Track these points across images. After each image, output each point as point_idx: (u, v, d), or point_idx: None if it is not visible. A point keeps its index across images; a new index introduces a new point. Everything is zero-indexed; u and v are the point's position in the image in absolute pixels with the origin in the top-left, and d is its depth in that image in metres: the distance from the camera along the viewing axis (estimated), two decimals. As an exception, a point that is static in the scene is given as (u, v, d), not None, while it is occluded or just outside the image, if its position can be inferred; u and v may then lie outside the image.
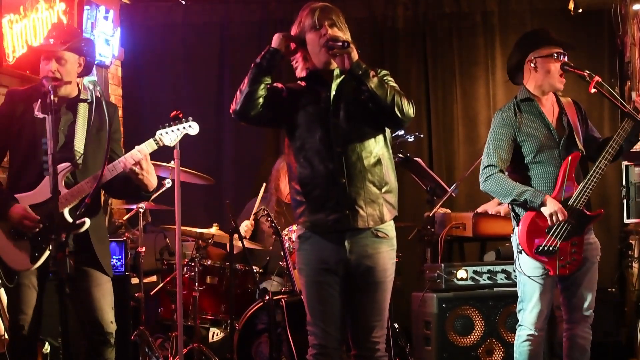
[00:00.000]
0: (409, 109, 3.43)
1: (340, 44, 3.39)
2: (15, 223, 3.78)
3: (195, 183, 5.73)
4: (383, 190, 3.53)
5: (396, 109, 3.39)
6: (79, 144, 3.88)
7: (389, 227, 3.62)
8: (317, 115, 3.48)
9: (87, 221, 3.84)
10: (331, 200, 3.44)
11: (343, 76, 3.52)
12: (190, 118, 4.04)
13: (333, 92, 3.49)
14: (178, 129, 3.99)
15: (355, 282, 3.50)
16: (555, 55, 4.07)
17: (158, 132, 3.96)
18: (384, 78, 3.48)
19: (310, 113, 3.49)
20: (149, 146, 3.89)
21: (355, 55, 3.39)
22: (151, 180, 3.91)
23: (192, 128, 4.03)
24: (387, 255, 3.56)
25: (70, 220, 3.81)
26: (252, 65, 3.61)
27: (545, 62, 4.08)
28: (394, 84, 3.49)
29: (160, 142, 3.94)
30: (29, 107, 3.84)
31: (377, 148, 3.50)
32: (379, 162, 3.50)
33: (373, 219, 3.49)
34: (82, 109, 3.93)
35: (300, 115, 3.51)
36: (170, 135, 3.97)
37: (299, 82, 3.62)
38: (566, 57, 4.11)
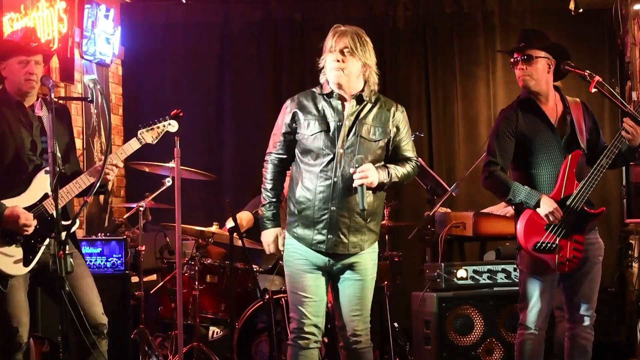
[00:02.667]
0: (409, 179, 3.89)
1: (364, 177, 3.66)
2: (12, 226, 3.78)
3: (196, 179, 5.73)
4: (368, 220, 3.78)
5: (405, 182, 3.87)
6: (55, 146, 3.90)
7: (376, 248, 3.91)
8: (325, 143, 3.73)
9: (77, 221, 3.86)
10: (319, 222, 3.73)
11: (358, 107, 3.77)
12: (167, 117, 4.16)
13: (347, 123, 3.73)
14: (158, 127, 4.12)
15: (338, 278, 3.81)
16: (511, 64, 4.14)
17: (139, 132, 4.08)
18: (399, 130, 3.85)
19: (319, 141, 3.73)
20: (132, 145, 4.03)
21: (374, 180, 3.68)
22: (112, 177, 4.05)
23: (172, 126, 4.16)
24: (369, 257, 3.83)
25: (63, 222, 3.81)
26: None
27: (514, 70, 4.14)
28: (408, 145, 3.89)
29: (143, 140, 4.07)
30: (1, 112, 3.87)
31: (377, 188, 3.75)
32: (370, 194, 3.73)
33: (353, 246, 3.76)
34: (43, 111, 3.94)
35: (310, 140, 3.75)
36: (151, 134, 4.10)
37: (315, 90, 3.83)
38: (515, 60, 4.11)
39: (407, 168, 3.83)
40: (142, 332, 5.49)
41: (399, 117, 3.86)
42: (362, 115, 3.75)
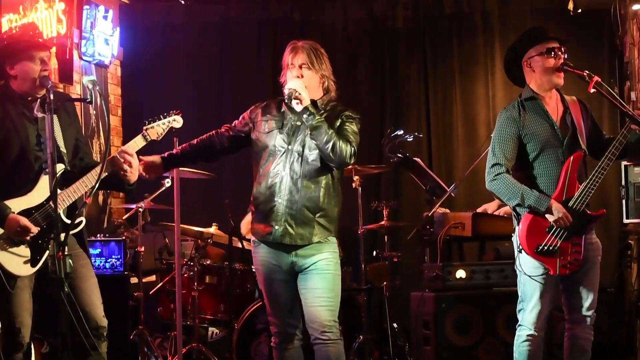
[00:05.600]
0: (342, 156, 3.87)
1: (296, 93, 3.87)
2: (11, 234, 3.74)
3: (195, 180, 5.73)
4: (317, 215, 3.93)
5: (329, 152, 3.85)
6: (62, 144, 3.88)
7: (329, 239, 4.02)
8: (278, 140, 3.97)
9: (84, 220, 3.84)
10: (269, 214, 3.93)
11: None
12: (172, 112, 4.11)
13: (299, 123, 3.96)
14: (163, 123, 4.06)
15: (303, 277, 3.95)
16: (545, 51, 4.06)
17: (144, 128, 4.02)
18: (344, 121, 3.97)
19: (273, 138, 3.98)
20: (138, 142, 3.96)
21: (305, 102, 3.88)
22: (135, 175, 3.99)
23: (177, 122, 4.11)
24: (329, 254, 3.97)
25: (67, 220, 3.80)
26: None
27: (539, 60, 4.08)
28: (349, 129, 3.95)
29: (148, 137, 4.01)
30: (6, 110, 3.82)
31: (322, 178, 3.94)
32: (319, 190, 3.92)
33: (301, 238, 3.91)
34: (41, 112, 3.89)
35: (265, 137, 4.00)
36: (156, 129, 4.04)
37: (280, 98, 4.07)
38: (562, 49, 4.09)
39: (341, 140, 3.89)
40: (142, 333, 5.49)
41: (347, 115, 4.00)
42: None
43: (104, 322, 3.94)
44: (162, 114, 4.07)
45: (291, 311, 3.99)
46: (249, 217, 5.80)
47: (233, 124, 4.13)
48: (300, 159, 3.92)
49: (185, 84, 7.39)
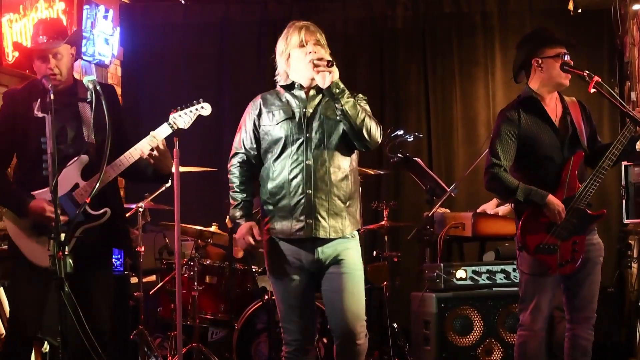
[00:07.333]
0: (377, 133, 3.66)
1: (326, 62, 3.60)
2: (37, 216, 3.73)
3: (195, 181, 5.73)
4: (347, 204, 3.70)
5: (364, 131, 3.62)
6: (90, 134, 3.86)
7: (354, 233, 3.78)
8: (291, 130, 3.69)
9: (108, 211, 3.82)
10: (297, 209, 3.65)
11: (320, 95, 3.74)
12: (201, 99, 4.02)
13: (310, 110, 3.71)
14: (191, 111, 3.97)
15: (329, 277, 3.68)
16: (561, 55, 4.07)
17: (172, 116, 3.94)
18: (360, 102, 3.70)
19: (285, 128, 3.70)
20: (164, 130, 3.90)
21: (336, 75, 3.61)
22: (168, 163, 3.95)
23: (205, 109, 4.01)
24: (355, 252, 3.74)
25: (91, 212, 3.79)
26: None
27: (552, 62, 4.07)
28: (368, 109, 3.71)
29: (174, 126, 3.93)
30: (30, 105, 3.82)
31: (346, 164, 3.71)
32: (346, 177, 3.70)
33: (335, 231, 3.66)
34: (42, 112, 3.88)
35: (276, 129, 3.72)
36: (183, 118, 3.95)
37: (278, 89, 3.85)
38: (568, 56, 4.11)
39: (369, 117, 3.66)
40: (142, 332, 5.49)
41: (360, 96, 3.77)
42: (324, 101, 3.73)
43: (106, 322, 3.93)
44: (190, 102, 3.98)
45: (310, 317, 3.72)
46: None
47: (246, 149, 3.81)
48: (322, 145, 3.65)
49: (185, 84, 7.39)
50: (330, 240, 3.66)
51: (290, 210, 3.66)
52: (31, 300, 3.81)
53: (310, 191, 3.63)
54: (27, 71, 5.58)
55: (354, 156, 3.77)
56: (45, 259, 3.74)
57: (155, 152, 3.84)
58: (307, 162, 3.64)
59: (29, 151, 3.85)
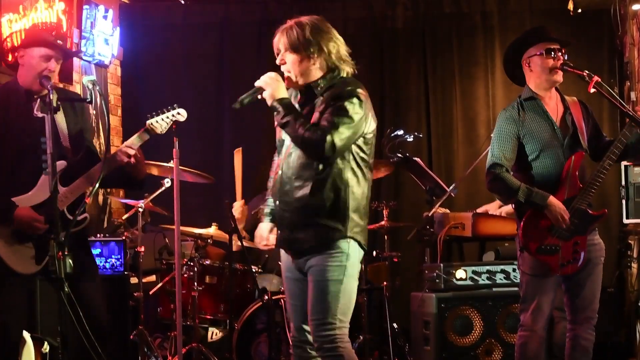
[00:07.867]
0: (319, 150, 3.36)
1: (249, 94, 3.52)
2: (23, 225, 3.74)
3: (195, 182, 5.72)
4: (314, 214, 3.46)
5: (303, 150, 3.45)
6: (65, 141, 3.87)
7: (343, 244, 3.53)
8: (283, 133, 3.61)
9: (88, 217, 3.83)
10: (280, 219, 3.60)
11: (302, 98, 3.61)
12: (176, 105, 4.02)
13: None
14: (167, 117, 3.98)
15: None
16: (545, 51, 4.05)
17: (148, 122, 3.95)
18: (328, 106, 3.42)
19: (280, 130, 3.62)
20: (141, 137, 3.91)
21: (278, 94, 3.47)
22: (143, 170, 3.98)
23: (181, 115, 4.00)
24: (335, 253, 3.50)
25: (70, 217, 3.80)
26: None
27: (537, 59, 4.07)
28: (332, 118, 3.38)
29: (152, 131, 3.94)
30: (9, 106, 3.82)
31: (317, 173, 3.45)
32: (314, 188, 3.44)
33: (309, 243, 3.48)
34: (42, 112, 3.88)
35: (278, 131, 3.67)
36: (160, 123, 3.96)
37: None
38: (562, 51, 4.09)
39: (309, 131, 3.39)
40: (142, 333, 5.49)
41: (335, 98, 3.46)
42: (305, 108, 3.55)
43: (105, 323, 3.93)
44: (165, 108, 3.98)
45: (302, 315, 3.60)
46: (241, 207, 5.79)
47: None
48: (292, 154, 3.51)
49: (185, 84, 7.39)
50: (307, 250, 3.50)
51: (278, 218, 3.62)
52: (13, 305, 3.81)
53: (278, 202, 3.58)
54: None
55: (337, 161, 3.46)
56: (25, 266, 3.76)
57: (132, 160, 3.86)
58: (280, 170, 3.57)
59: (7, 156, 3.83)
